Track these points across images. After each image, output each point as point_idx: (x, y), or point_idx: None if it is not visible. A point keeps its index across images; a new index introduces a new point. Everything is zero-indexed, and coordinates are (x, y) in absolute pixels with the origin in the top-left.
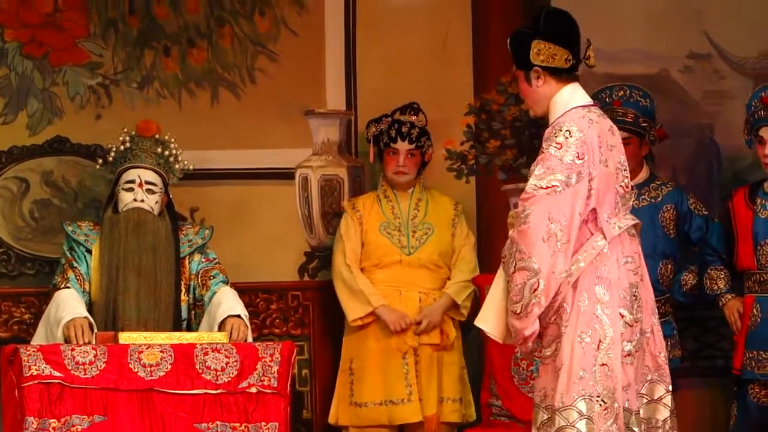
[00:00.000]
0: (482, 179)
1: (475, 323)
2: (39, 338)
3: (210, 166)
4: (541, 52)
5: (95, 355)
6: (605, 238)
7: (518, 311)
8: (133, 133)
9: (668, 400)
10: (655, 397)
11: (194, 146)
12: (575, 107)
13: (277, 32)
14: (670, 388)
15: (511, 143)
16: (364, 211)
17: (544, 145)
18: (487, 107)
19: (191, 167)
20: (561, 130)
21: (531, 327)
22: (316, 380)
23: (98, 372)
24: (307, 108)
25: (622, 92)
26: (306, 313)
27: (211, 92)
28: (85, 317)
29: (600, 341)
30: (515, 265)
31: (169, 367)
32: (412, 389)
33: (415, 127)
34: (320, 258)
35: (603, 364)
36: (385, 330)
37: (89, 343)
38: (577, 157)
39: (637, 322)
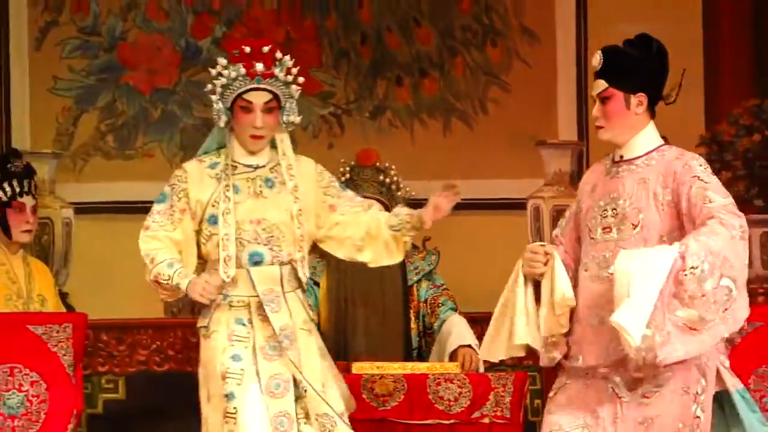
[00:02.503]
0: None
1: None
2: None
3: None
4: (653, 80)
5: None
6: None
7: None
8: (353, 162)
9: None
10: None
11: (425, 176)
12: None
13: (509, 63)
14: None
15: (742, 174)
16: None
17: (696, 175)
18: (718, 139)
19: (413, 193)
20: (701, 163)
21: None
22: None
23: None
24: (538, 138)
25: None
26: None
27: (443, 122)
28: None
29: None
30: (720, 273)
31: (402, 397)
32: None
33: None
34: None
35: None
36: None
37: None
38: None
39: None
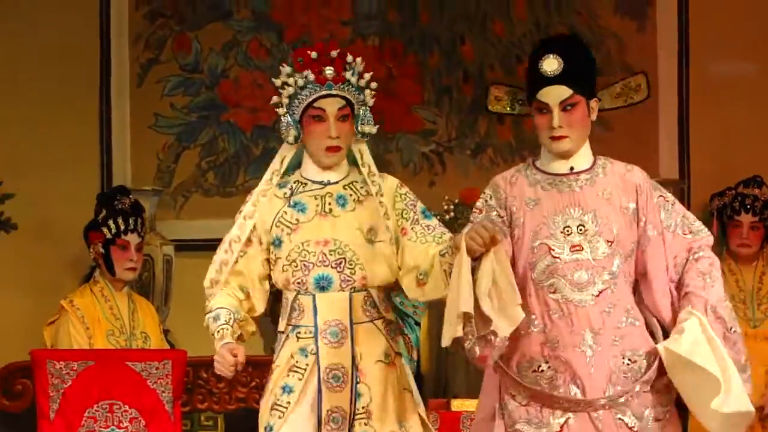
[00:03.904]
0: None
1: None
2: None
3: None
4: (598, 83)
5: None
6: None
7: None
8: (456, 200)
9: None
10: None
11: None
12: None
13: None
14: None
15: None
16: None
17: (659, 193)
18: None
19: None
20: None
21: None
22: None
23: None
24: None
25: None
26: None
27: None
28: None
29: None
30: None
31: None
32: None
33: (759, 199)
34: None
35: None
36: None
37: None
38: None
39: None
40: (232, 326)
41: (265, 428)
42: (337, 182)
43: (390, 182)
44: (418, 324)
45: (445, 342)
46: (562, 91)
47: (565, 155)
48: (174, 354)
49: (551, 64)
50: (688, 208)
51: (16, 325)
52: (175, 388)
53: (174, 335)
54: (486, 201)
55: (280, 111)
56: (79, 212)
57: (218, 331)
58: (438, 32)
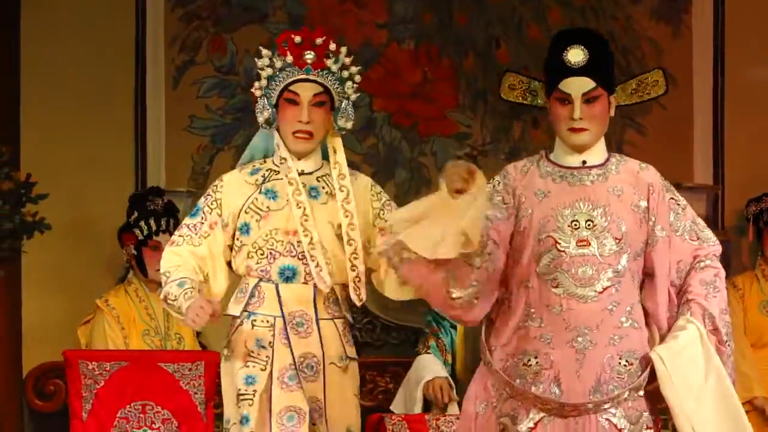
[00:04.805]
0: None
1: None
2: (397, 402)
3: None
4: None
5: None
6: None
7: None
8: None
9: None
10: None
11: None
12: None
13: (646, 106)
14: None
15: None
16: (744, 289)
17: (671, 195)
18: None
19: None
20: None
21: None
22: None
23: None
24: (674, 181)
25: None
26: None
27: None
28: (446, 377)
29: None
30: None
31: None
32: None
33: None
34: None
35: None
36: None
37: (450, 400)
38: None
39: None
40: (199, 292)
41: (241, 420)
42: (311, 173)
43: (364, 181)
44: (454, 327)
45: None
46: (586, 83)
47: (581, 148)
48: (207, 356)
49: (576, 55)
50: (723, 214)
51: (51, 326)
52: (208, 390)
53: (206, 338)
54: (494, 186)
55: (257, 93)
56: (113, 213)
57: (185, 293)
58: (473, 36)
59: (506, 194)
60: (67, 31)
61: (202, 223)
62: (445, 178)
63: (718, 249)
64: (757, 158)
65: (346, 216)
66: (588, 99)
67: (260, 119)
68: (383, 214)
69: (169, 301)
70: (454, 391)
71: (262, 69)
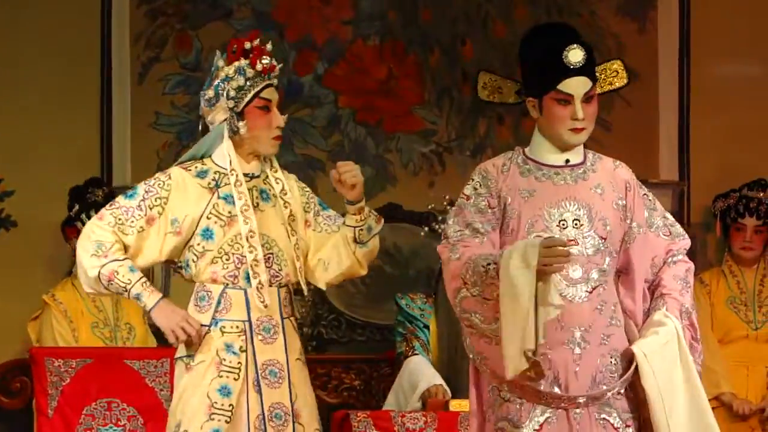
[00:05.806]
0: None
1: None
2: (390, 407)
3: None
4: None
5: (425, 422)
6: None
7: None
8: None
9: None
10: None
11: None
12: None
13: (610, 102)
14: None
15: None
16: (711, 285)
17: (643, 191)
18: None
19: None
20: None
21: None
22: None
23: None
24: (639, 177)
25: None
26: None
27: None
28: (441, 384)
29: None
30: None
31: None
32: None
33: (763, 203)
34: None
35: None
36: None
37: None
38: None
39: None
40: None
41: None
42: (258, 176)
43: (290, 176)
44: (426, 327)
45: (510, 375)
46: (585, 83)
47: (569, 147)
48: (172, 352)
49: (576, 55)
50: (689, 210)
51: (15, 323)
52: (173, 387)
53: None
54: (475, 189)
55: (222, 104)
56: None
57: (143, 283)
58: (439, 32)
59: (491, 198)
60: (32, 28)
61: (140, 214)
62: (542, 262)
63: (688, 243)
64: (723, 154)
65: (286, 207)
66: (587, 98)
67: (240, 130)
68: (308, 207)
69: (115, 280)
70: (449, 397)
71: (226, 81)
